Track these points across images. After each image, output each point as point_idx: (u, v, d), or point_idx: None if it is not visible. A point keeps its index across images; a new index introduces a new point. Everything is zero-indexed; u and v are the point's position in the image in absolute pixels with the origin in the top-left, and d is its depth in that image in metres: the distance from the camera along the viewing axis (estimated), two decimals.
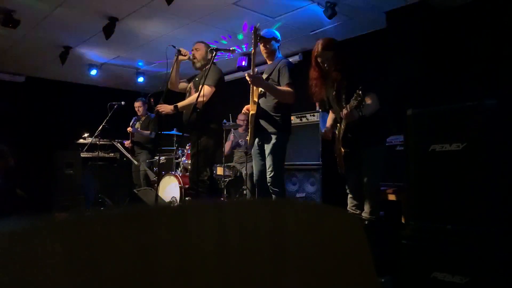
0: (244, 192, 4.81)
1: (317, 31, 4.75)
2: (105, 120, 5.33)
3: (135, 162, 5.59)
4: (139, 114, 5.83)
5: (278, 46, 3.20)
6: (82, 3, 4.04)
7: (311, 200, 3.95)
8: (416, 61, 3.90)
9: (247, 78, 2.94)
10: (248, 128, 3.18)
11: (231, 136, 5.45)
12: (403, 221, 2.72)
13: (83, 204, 5.39)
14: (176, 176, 4.76)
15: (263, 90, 3.04)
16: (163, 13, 4.26)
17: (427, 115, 2.24)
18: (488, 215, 1.96)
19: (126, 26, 4.62)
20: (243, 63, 5.79)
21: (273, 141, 2.98)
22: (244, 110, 3.24)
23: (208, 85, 3.33)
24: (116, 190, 5.97)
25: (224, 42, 5.23)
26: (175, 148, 5.35)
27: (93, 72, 6.30)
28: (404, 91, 3.85)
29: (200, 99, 3.19)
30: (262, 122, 3.05)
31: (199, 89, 3.15)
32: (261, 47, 3.15)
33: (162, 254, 0.35)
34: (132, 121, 5.86)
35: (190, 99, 3.45)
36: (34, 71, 6.56)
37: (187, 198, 4.49)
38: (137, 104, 5.79)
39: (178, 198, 4.64)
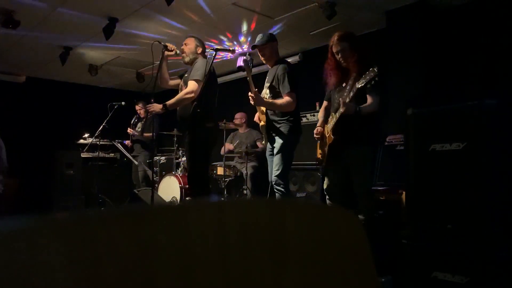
0: (244, 192, 4.81)
1: (317, 31, 4.75)
2: (106, 121, 5.33)
3: (135, 162, 5.60)
4: (141, 116, 5.86)
5: (276, 46, 3.19)
6: (82, 3, 4.03)
7: (311, 200, 3.95)
8: (416, 61, 3.91)
9: (250, 100, 3.04)
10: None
11: (232, 139, 5.46)
12: (403, 221, 2.72)
13: (83, 204, 5.40)
14: (176, 176, 4.76)
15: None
16: (163, 13, 4.26)
17: (427, 115, 2.24)
18: (488, 215, 1.95)
19: (126, 26, 4.62)
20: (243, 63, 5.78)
21: (281, 141, 3.03)
22: (256, 119, 3.35)
23: (194, 79, 3.23)
24: (116, 190, 5.97)
25: (224, 42, 5.23)
26: (175, 148, 5.35)
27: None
28: (404, 91, 3.86)
29: (190, 95, 3.16)
30: (272, 129, 3.11)
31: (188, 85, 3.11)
32: (259, 54, 3.16)
33: (162, 254, 0.35)
34: (133, 120, 5.87)
35: (178, 96, 3.31)
36: (34, 71, 6.55)
37: (187, 198, 4.49)
38: (138, 107, 5.83)
39: (178, 198, 4.64)
